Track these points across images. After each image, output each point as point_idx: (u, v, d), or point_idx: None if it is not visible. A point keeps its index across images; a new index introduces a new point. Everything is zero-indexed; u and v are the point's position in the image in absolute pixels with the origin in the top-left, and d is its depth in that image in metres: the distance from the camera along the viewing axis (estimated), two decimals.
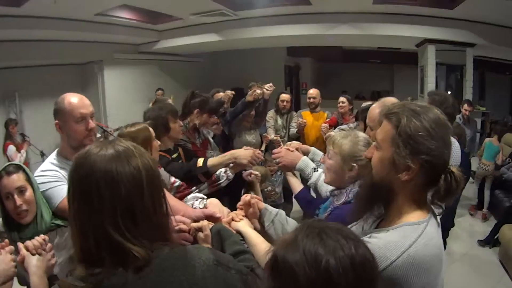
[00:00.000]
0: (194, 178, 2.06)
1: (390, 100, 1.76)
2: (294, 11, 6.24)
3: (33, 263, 1.18)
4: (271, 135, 4.09)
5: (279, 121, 4.39)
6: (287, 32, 6.55)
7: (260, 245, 1.27)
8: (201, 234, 1.25)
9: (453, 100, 2.52)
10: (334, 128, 4.12)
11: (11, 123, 5.50)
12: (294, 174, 1.96)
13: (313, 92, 4.52)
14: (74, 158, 0.85)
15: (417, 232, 0.92)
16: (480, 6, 4.88)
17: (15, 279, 1.22)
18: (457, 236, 4.39)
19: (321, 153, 2.14)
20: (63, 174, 1.59)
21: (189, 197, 1.72)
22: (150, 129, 1.84)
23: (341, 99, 4.39)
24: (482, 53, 6.53)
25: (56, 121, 1.64)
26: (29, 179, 1.50)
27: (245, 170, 2.48)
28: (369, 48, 9.93)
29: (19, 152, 5.25)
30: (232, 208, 1.55)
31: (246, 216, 1.46)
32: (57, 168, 1.61)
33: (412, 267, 0.87)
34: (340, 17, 6.04)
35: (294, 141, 2.23)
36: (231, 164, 2.05)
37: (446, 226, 2.43)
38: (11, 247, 1.22)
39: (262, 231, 1.43)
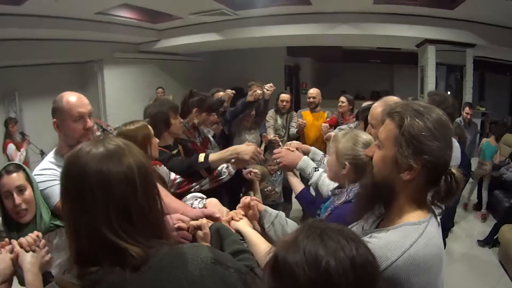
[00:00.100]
0: (195, 174, 2.06)
1: (392, 99, 1.77)
2: (294, 11, 6.24)
3: (27, 260, 1.18)
4: (270, 135, 4.09)
5: (279, 121, 4.39)
6: (287, 32, 6.55)
7: (260, 245, 1.27)
8: (200, 233, 1.25)
9: (453, 100, 2.52)
10: (334, 128, 4.13)
11: (11, 121, 5.50)
12: (295, 174, 1.96)
13: (313, 91, 4.51)
14: (65, 158, 0.83)
15: (418, 232, 0.92)
16: (480, 6, 4.89)
17: (15, 279, 1.22)
18: (456, 236, 4.41)
19: (321, 152, 2.14)
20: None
21: (188, 196, 1.72)
22: (149, 127, 1.84)
23: (341, 98, 4.39)
24: (482, 53, 6.53)
25: (54, 119, 1.63)
26: (29, 179, 1.49)
27: (245, 168, 2.48)
28: (369, 48, 9.93)
29: (19, 150, 5.26)
30: (232, 208, 1.55)
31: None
32: (55, 167, 1.60)
33: (413, 267, 0.87)
34: (340, 17, 6.03)
35: (294, 141, 2.23)
36: (233, 160, 2.05)
37: (446, 226, 2.43)
38: (11, 246, 1.21)
39: (262, 233, 1.43)
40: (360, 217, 1.13)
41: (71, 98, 1.61)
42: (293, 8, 6.12)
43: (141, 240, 0.78)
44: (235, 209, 1.51)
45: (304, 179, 1.98)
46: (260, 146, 3.85)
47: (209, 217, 1.38)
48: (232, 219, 1.43)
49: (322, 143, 4.21)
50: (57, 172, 1.58)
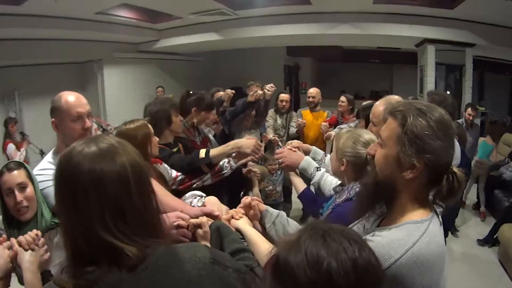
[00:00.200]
0: (197, 170, 2.06)
1: (394, 98, 1.78)
2: (294, 11, 6.23)
3: (26, 258, 1.18)
4: (270, 134, 4.10)
5: (279, 121, 4.40)
6: (287, 32, 6.54)
7: (260, 244, 1.27)
8: (200, 231, 1.24)
9: (452, 100, 2.53)
10: (334, 127, 4.13)
11: (11, 121, 5.50)
12: (297, 174, 1.97)
13: (313, 91, 4.51)
14: (59, 158, 0.83)
15: (421, 230, 0.92)
16: (480, 6, 4.88)
17: (15, 279, 1.22)
18: (456, 236, 4.40)
19: (321, 152, 2.14)
20: None
21: (187, 195, 1.72)
22: (149, 125, 1.84)
23: (341, 98, 4.40)
24: (481, 53, 6.51)
25: (53, 119, 1.63)
26: (30, 177, 1.50)
27: (245, 167, 2.48)
28: (368, 48, 9.92)
29: (19, 150, 5.26)
30: (231, 208, 1.54)
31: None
32: (54, 167, 1.60)
33: (416, 265, 0.87)
34: (340, 16, 6.02)
35: (295, 140, 2.24)
36: (234, 154, 2.04)
37: (446, 225, 2.43)
38: (9, 243, 1.21)
39: (264, 233, 1.43)
40: (362, 216, 1.14)
41: (70, 98, 1.61)
42: (293, 8, 6.11)
43: (137, 239, 0.78)
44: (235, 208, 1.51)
45: (306, 179, 1.99)
46: None
47: (208, 215, 1.38)
48: (232, 217, 1.43)
49: (322, 142, 4.22)
50: None
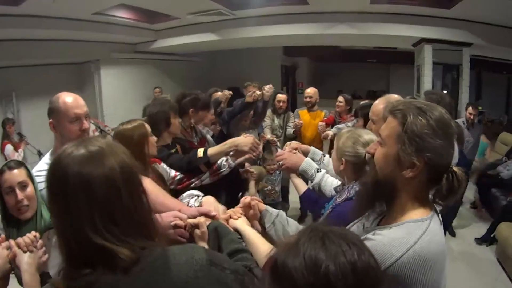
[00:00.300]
0: (195, 169, 2.06)
1: (394, 97, 1.79)
2: (292, 11, 6.23)
3: (25, 260, 1.18)
4: (267, 135, 4.10)
5: (276, 121, 4.40)
6: (284, 32, 6.54)
7: (259, 244, 1.26)
8: (197, 231, 1.24)
9: (449, 99, 2.54)
10: (332, 127, 4.14)
11: (8, 122, 5.48)
12: (297, 175, 1.97)
13: (310, 91, 4.51)
14: (51, 160, 0.83)
15: (421, 229, 0.92)
16: (477, 5, 4.89)
17: (15, 279, 1.22)
18: (454, 234, 4.41)
19: (320, 152, 2.15)
20: None
21: (184, 194, 1.72)
22: (146, 125, 1.84)
23: (339, 98, 4.40)
24: (478, 52, 6.54)
25: (50, 120, 1.63)
26: (30, 176, 1.50)
27: (243, 167, 2.48)
28: (365, 47, 9.94)
29: (17, 151, 5.24)
30: (230, 207, 1.54)
31: (246, 218, 1.46)
32: None
33: (418, 264, 0.87)
34: (338, 16, 6.03)
35: (293, 141, 2.24)
36: (232, 152, 2.04)
37: (445, 224, 2.44)
38: (7, 243, 1.21)
39: (263, 233, 1.43)
40: (361, 215, 1.14)
41: (68, 99, 1.61)
42: (291, 8, 6.11)
43: (128, 240, 0.78)
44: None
45: (305, 179, 2.00)
46: None
47: (205, 215, 1.38)
48: (230, 217, 1.43)
49: (319, 142, 4.22)
50: None
